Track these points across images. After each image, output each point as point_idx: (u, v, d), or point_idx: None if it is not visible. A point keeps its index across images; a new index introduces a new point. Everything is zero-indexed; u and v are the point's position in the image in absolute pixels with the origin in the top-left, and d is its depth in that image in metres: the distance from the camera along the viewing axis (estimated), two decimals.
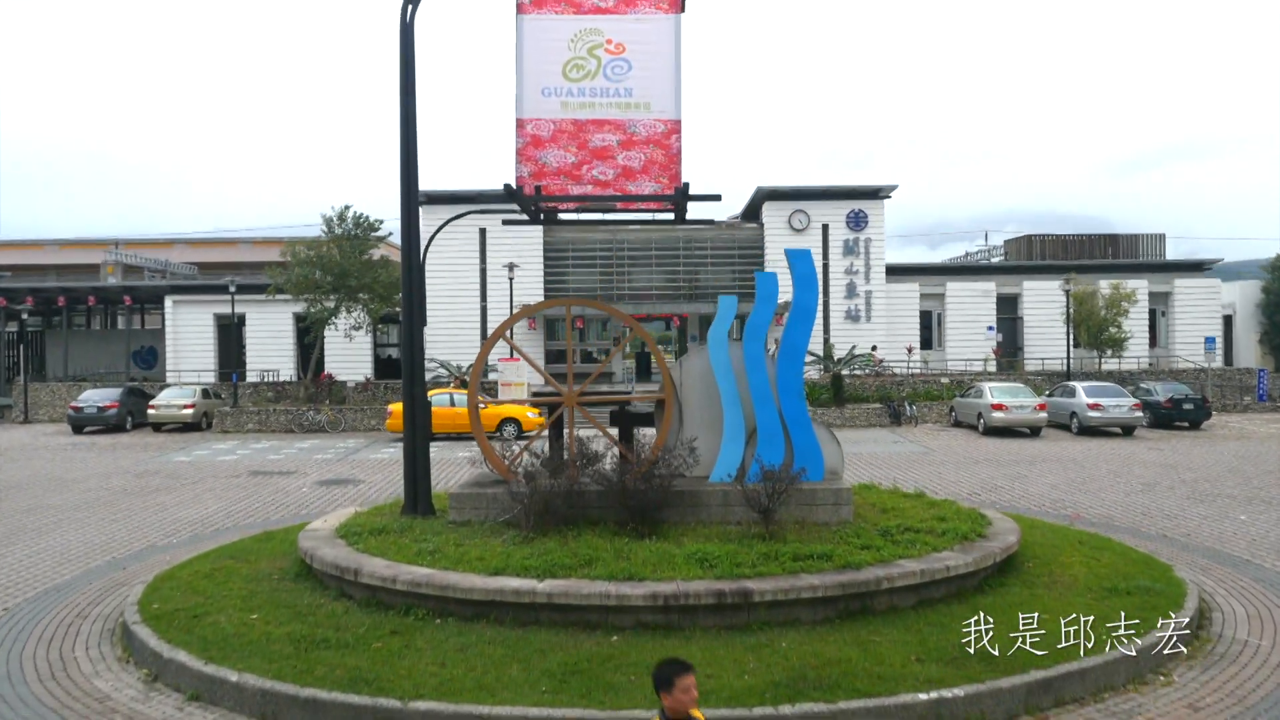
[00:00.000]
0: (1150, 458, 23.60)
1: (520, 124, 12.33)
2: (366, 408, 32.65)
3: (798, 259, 12.82)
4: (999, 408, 28.11)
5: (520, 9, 12.34)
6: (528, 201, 12.32)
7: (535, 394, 13.68)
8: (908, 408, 32.14)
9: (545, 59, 12.24)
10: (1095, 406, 28.10)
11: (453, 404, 28.43)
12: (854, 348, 34.11)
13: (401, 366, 13.46)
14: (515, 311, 13.48)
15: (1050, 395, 30.84)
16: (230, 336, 40.07)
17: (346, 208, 34.38)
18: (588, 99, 12.25)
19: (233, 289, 34.15)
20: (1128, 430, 28.55)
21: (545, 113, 12.26)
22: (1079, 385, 29.41)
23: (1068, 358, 36.53)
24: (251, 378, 39.07)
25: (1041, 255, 47.70)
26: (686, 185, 12.22)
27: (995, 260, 64.19)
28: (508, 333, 30.81)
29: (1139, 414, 28.29)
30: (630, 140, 12.21)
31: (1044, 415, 28.24)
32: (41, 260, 74.92)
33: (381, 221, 33.98)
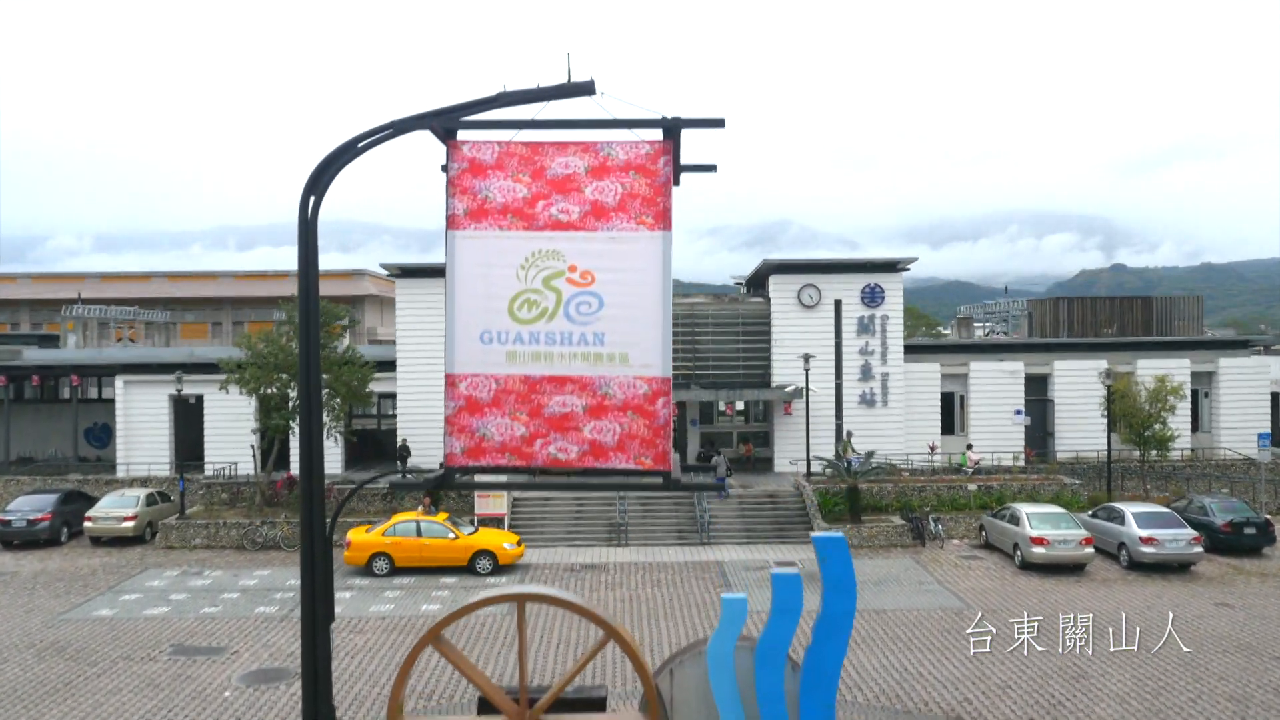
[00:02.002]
0: (1223, 627, 20.30)
1: (451, 382, 8.96)
2: (328, 519, 29.15)
3: (829, 551, 9.50)
4: (1039, 542, 24.72)
5: (452, 222, 8.96)
6: (463, 485, 9.02)
7: (481, 703, 10.36)
8: (932, 524, 28.73)
9: (486, 292, 8.88)
10: (1149, 541, 24.70)
11: (419, 534, 25.12)
12: (872, 453, 30.67)
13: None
14: (456, 609, 10.22)
15: (1094, 517, 27.44)
16: (186, 419, 36.66)
17: None
18: (543, 347, 8.89)
19: (180, 387, 30.74)
20: (1184, 566, 25.17)
21: (486, 367, 8.90)
22: (1129, 512, 25.97)
23: (1109, 457, 33.08)
24: (209, 470, 35.65)
25: (1069, 321, 44.28)
26: (673, 472, 8.86)
27: (1015, 315, 60.85)
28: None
29: (1198, 549, 24.88)
30: (601, 405, 8.83)
31: (1090, 551, 24.84)
32: (14, 295, 71.61)
33: (349, 308, 30.70)
